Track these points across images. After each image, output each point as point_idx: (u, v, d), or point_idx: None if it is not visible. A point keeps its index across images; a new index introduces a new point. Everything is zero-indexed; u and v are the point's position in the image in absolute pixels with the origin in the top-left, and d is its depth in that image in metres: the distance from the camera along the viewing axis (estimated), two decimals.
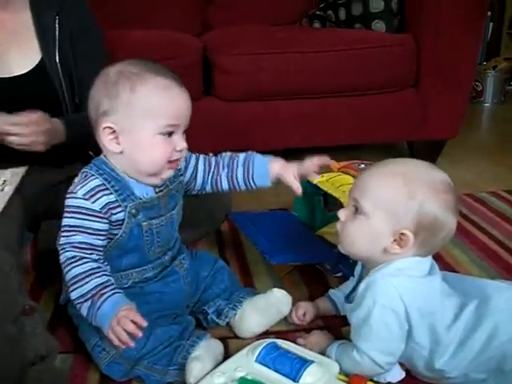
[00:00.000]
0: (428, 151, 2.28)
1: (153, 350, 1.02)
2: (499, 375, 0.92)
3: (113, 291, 0.98)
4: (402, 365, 1.03)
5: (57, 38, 1.42)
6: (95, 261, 1.01)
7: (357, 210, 0.98)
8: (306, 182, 1.49)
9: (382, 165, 1.01)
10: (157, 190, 1.09)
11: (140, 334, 0.93)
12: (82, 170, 1.06)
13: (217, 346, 1.06)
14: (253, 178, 1.20)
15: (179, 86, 1.04)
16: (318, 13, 2.53)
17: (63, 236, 1.02)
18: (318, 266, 1.40)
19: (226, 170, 1.21)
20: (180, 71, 1.91)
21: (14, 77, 1.40)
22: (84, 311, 0.98)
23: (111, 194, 1.03)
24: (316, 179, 1.42)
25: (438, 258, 1.18)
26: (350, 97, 2.16)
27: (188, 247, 1.27)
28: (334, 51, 2.06)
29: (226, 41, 2.12)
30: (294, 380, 0.94)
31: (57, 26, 1.42)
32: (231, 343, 1.13)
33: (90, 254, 1.01)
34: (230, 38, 2.17)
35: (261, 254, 1.34)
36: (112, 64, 1.05)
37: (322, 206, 1.54)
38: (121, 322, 0.93)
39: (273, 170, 1.19)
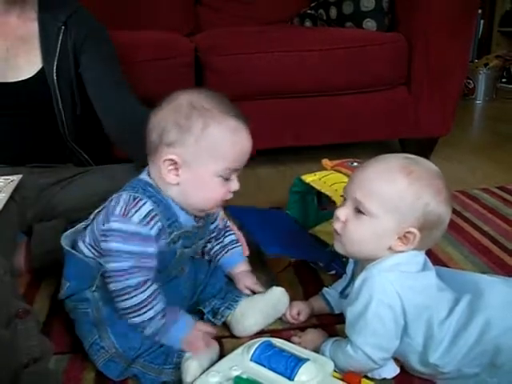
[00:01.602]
0: (420, 149, 2.28)
1: (149, 349, 1.03)
2: (492, 369, 0.92)
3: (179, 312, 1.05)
4: (396, 360, 1.03)
5: (58, 49, 1.47)
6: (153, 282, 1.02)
7: (359, 210, 0.98)
8: (298, 181, 1.49)
9: (381, 162, 1.00)
10: (197, 219, 1.10)
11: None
12: (128, 193, 1.02)
13: (212, 345, 1.06)
14: (219, 259, 1.25)
15: (246, 129, 1.04)
16: (309, 12, 2.54)
17: (115, 262, 0.99)
18: (312, 264, 1.40)
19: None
20: (172, 72, 1.95)
21: (19, 81, 1.46)
22: (149, 331, 1.02)
23: (161, 219, 1.02)
24: (309, 178, 1.43)
25: (431, 254, 1.18)
26: (342, 95, 2.17)
27: None
28: (325, 50, 2.07)
29: (218, 41, 2.13)
30: (288, 378, 0.94)
31: (60, 37, 1.47)
32: (226, 342, 1.12)
33: (147, 275, 1.01)
34: (222, 38, 2.18)
35: (256, 248, 1.34)
36: (181, 92, 1.03)
37: (315, 204, 1.54)
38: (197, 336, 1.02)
39: (235, 270, 1.25)
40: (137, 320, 1.00)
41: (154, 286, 1.01)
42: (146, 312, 0.99)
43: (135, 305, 0.99)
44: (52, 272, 1.30)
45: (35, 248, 1.36)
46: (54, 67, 1.46)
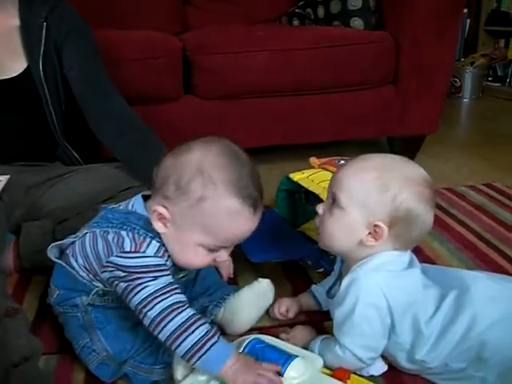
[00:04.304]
0: (408, 147, 2.31)
1: (139, 350, 1.03)
2: (478, 363, 0.93)
3: (216, 336, 0.91)
4: (384, 358, 1.04)
5: (42, 45, 1.45)
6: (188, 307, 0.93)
7: (333, 204, 0.99)
8: (286, 179, 1.50)
9: (359, 159, 1.02)
10: None
11: None
12: (124, 231, 0.96)
13: None
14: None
15: (251, 212, 0.94)
16: (296, 11, 2.54)
17: (144, 298, 0.91)
18: (300, 262, 1.41)
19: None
20: (160, 71, 1.95)
21: (4, 80, 1.43)
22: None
23: (169, 258, 0.99)
24: (297, 176, 1.44)
25: (417, 250, 1.20)
26: (329, 94, 2.17)
27: None
28: (313, 49, 2.07)
29: (206, 40, 2.12)
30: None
31: (43, 33, 1.44)
32: None
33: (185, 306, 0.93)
34: (210, 37, 2.17)
35: (242, 253, 1.34)
36: (201, 143, 0.95)
37: (303, 202, 1.55)
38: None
39: None
40: (179, 350, 0.90)
41: (191, 311, 0.92)
42: (186, 339, 0.89)
43: (174, 330, 0.90)
44: (41, 271, 1.29)
45: (23, 247, 1.36)
46: (40, 65, 1.44)
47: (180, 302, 0.92)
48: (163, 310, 0.90)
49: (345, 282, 0.99)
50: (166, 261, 0.97)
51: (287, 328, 1.16)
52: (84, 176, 1.49)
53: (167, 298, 0.91)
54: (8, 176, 1.32)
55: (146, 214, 0.99)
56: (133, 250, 0.94)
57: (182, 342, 0.89)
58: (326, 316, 1.12)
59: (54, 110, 1.48)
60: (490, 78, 4.06)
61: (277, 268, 1.41)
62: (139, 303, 0.92)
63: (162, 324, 0.90)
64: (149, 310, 0.91)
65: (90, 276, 1.03)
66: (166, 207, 0.94)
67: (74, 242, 1.05)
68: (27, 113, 1.48)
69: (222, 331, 1.15)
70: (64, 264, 1.05)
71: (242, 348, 1.00)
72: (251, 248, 1.33)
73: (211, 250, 0.97)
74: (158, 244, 0.97)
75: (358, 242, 0.98)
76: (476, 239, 1.59)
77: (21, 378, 0.89)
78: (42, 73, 1.44)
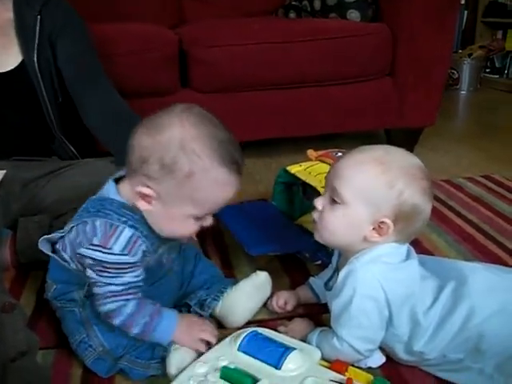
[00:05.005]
0: (405, 139, 2.30)
1: (135, 345, 1.03)
2: (476, 354, 0.93)
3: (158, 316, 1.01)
4: (382, 349, 1.04)
5: (36, 38, 1.44)
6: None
7: (334, 199, 0.98)
8: (284, 172, 1.50)
9: (358, 152, 1.00)
10: None
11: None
12: (99, 219, 0.97)
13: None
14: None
15: (237, 179, 0.95)
16: (293, 3, 2.54)
17: (100, 287, 0.98)
18: (298, 255, 1.40)
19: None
20: (156, 64, 1.94)
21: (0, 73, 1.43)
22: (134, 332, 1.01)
23: (144, 242, 0.98)
24: (294, 169, 1.44)
25: (415, 242, 1.19)
26: (327, 86, 2.17)
27: None
28: (309, 41, 2.07)
29: (202, 33, 2.12)
30: (276, 367, 0.95)
31: (37, 26, 1.44)
32: None
33: (135, 293, 0.99)
34: (206, 30, 2.17)
35: (240, 245, 1.34)
36: (175, 120, 0.93)
37: (300, 195, 1.55)
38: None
39: None
40: (134, 331, 1.00)
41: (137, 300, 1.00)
42: (136, 325, 1.00)
43: (128, 317, 0.99)
44: (38, 266, 1.29)
45: (20, 242, 1.35)
46: (35, 58, 1.43)
47: (131, 298, 0.98)
48: (117, 308, 0.98)
49: (342, 273, 0.99)
50: (134, 255, 0.96)
51: (285, 321, 1.16)
52: (81, 170, 1.48)
53: (122, 298, 0.98)
54: (4, 171, 1.31)
55: (119, 198, 0.99)
56: (101, 244, 0.95)
57: (134, 326, 0.99)
58: (324, 308, 1.12)
59: (49, 103, 1.47)
60: (487, 70, 4.06)
61: (274, 261, 1.41)
62: (98, 294, 0.98)
63: (113, 317, 0.99)
64: (104, 305, 0.98)
65: (79, 266, 1.02)
66: (149, 187, 0.93)
67: (62, 237, 1.05)
68: (23, 107, 1.48)
69: (220, 324, 1.16)
70: (56, 257, 1.05)
71: (240, 341, 1.00)
72: (249, 241, 1.33)
73: (199, 219, 0.98)
74: (131, 232, 0.96)
75: (361, 238, 0.98)
76: (474, 231, 1.59)
77: (18, 372, 0.88)
78: (36, 66, 1.44)
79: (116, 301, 0.98)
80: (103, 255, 0.95)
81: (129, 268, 0.97)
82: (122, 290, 0.97)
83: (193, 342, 1.03)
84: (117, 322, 0.99)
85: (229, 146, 0.94)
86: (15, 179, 1.40)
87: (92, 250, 0.96)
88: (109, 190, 1.01)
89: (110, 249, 0.95)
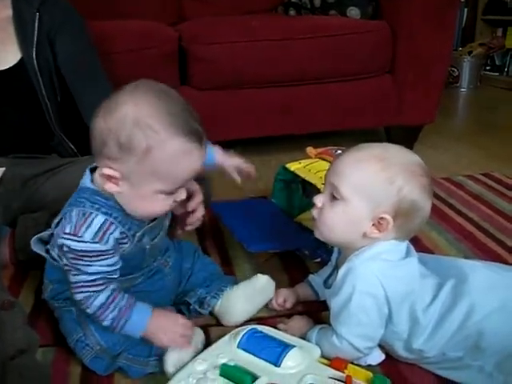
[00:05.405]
0: (405, 137, 2.30)
1: (133, 343, 1.03)
2: (475, 352, 0.93)
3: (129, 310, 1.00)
4: (381, 347, 1.04)
5: (35, 35, 1.43)
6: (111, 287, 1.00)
7: (334, 196, 0.98)
8: (283, 169, 1.50)
9: (358, 149, 1.00)
10: None
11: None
12: (77, 209, 0.96)
13: (197, 334, 1.06)
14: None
15: (198, 147, 0.93)
16: (293, 0, 2.53)
17: (74, 276, 0.98)
18: (297, 252, 1.40)
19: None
20: (155, 61, 1.94)
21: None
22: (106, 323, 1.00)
23: (117, 228, 0.97)
24: (293, 166, 1.44)
25: (415, 240, 1.20)
26: (326, 84, 2.17)
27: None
28: (309, 38, 2.07)
29: (202, 30, 2.11)
30: (275, 365, 0.95)
31: (36, 23, 1.43)
32: (212, 331, 1.13)
33: (109, 282, 0.99)
34: (206, 27, 2.16)
35: (239, 243, 1.34)
36: (126, 98, 0.91)
37: (300, 192, 1.54)
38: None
39: (217, 158, 1.25)
40: (106, 322, 0.99)
41: (111, 290, 0.99)
42: (108, 315, 0.99)
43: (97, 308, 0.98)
44: (37, 264, 1.29)
45: (19, 240, 1.35)
46: (34, 55, 1.43)
47: (104, 288, 0.98)
48: (85, 299, 0.98)
49: (341, 271, 0.99)
50: (106, 243, 0.96)
51: (285, 318, 1.16)
52: (80, 167, 1.47)
53: (92, 289, 0.97)
54: (3, 168, 1.31)
55: (92, 186, 0.99)
56: (72, 232, 0.95)
57: (104, 318, 0.98)
58: (324, 306, 1.12)
59: (48, 100, 1.47)
60: (487, 68, 4.06)
61: (274, 258, 1.41)
62: (70, 283, 0.99)
63: (85, 307, 0.98)
64: (75, 294, 0.98)
65: (64, 260, 1.02)
66: (112, 168, 0.93)
67: (52, 234, 1.05)
68: (22, 104, 1.48)
69: (218, 322, 1.16)
70: (48, 256, 1.05)
71: (239, 338, 1.00)
72: (248, 238, 1.33)
73: (170, 194, 0.96)
74: (103, 219, 0.96)
75: (361, 234, 0.98)
76: (474, 229, 1.59)
77: (17, 370, 0.88)
78: (35, 63, 1.43)
79: (84, 292, 0.97)
80: (74, 243, 0.95)
81: (100, 256, 0.96)
82: (94, 280, 0.97)
83: (171, 341, 1.00)
84: (89, 312, 0.99)
85: (184, 115, 0.92)
86: (15, 177, 1.40)
87: (65, 238, 0.96)
88: (85, 179, 1.02)
89: (80, 237, 0.94)
